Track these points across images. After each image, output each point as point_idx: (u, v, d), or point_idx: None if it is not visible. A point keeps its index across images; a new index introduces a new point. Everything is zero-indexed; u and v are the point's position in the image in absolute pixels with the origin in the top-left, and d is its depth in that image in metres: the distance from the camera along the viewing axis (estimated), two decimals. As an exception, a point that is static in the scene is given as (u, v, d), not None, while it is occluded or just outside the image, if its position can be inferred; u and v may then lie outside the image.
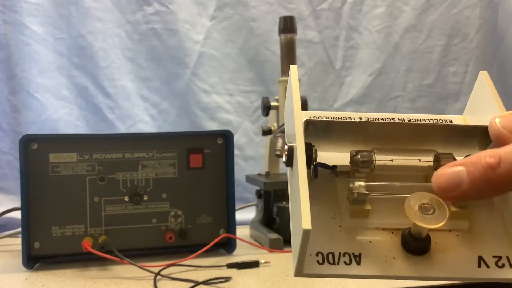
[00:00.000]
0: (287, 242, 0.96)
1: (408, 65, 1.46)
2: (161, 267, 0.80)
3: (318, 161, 0.33)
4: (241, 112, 1.39)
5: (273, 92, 1.24)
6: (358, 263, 0.29)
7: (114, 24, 1.31)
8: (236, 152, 1.14)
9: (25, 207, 0.84)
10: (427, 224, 0.27)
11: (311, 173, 0.33)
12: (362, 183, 0.31)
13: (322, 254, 0.30)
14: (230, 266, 0.83)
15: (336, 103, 1.44)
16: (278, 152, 1.01)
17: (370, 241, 0.30)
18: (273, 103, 1.07)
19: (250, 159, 1.38)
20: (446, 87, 1.48)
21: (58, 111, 1.27)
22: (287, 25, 1.04)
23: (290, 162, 0.32)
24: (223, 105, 1.37)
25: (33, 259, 0.85)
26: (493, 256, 0.29)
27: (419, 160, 0.32)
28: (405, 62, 1.46)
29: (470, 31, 1.48)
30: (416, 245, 0.29)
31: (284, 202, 1.00)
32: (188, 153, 0.92)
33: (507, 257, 0.29)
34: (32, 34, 1.25)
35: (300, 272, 0.29)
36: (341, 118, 0.33)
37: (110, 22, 1.30)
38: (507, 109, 0.36)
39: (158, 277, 0.78)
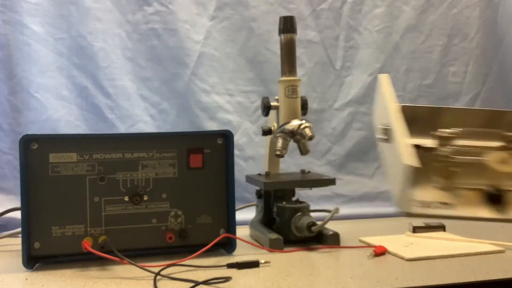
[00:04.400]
0: (287, 242, 0.96)
1: (408, 65, 1.46)
2: (161, 267, 0.80)
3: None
4: (241, 112, 1.39)
5: (273, 92, 1.24)
6: (449, 208, 0.37)
7: (114, 24, 1.31)
8: (236, 152, 1.14)
9: (25, 207, 0.84)
10: (506, 168, 0.34)
11: None
12: (448, 149, 0.37)
13: (424, 202, 0.37)
14: (230, 266, 0.83)
15: (336, 103, 1.44)
16: (278, 152, 1.01)
17: (458, 195, 0.37)
18: (273, 103, 1.07)
19: (250, 159, 1.38)
20: (446, 87, 1.48)
21: (58, 111, 1.27)
22: (287, 25, 1.04)
23: (386, 140, 0.39)
24: (223, 105, 1.37)
25: (33, 259, 0.85)
26: None
27: (490, 136, 0.39)
28: (405, 62, 1.46)
29: (470, 31, 1.48)
30: (496, 195, 0.35)
31: (284, 202, 1.00)
32: (188, 153, 0.92)
33: None
34: (32, 34, 1.25)
35: (405, 213, 0.37)
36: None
37: (110, 22, 1.30)
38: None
39: (158, 277, 0.77)
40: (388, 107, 0.44)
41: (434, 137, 0.42)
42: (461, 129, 0.39)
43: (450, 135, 0.40)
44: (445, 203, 0.36)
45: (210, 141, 0.93)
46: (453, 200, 0.36)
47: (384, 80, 0.46)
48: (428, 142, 0.41)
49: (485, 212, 0.35)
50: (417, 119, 0.45)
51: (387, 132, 0.44)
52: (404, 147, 0.39)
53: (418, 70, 1.47)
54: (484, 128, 0.39)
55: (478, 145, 0.38)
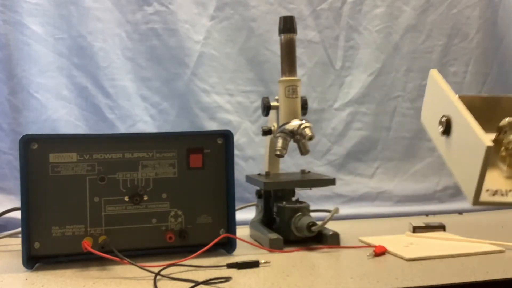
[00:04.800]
0: (287, 242, 0.96)
1: (408, 65, 1.46)
2: (161, 267, 0.80)
3: None
4: (241, 112, 1.39)
5: (273, 92, 1.24)
6: None
7: (114, 24, 1.31)
8: (236, 152, 1.14)
9: (25, 207, 0.84)
10: None
11: None
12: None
13: (492, 190, 0.38)
14: (230, 266, 0.83)
15: (336, 103, 1.44)
16: (278, 152, 1.01)
17: None
18: (273, 103, 1.07)
19: (250, 159, 1.38)
20: (446, 87, 1.48)
21: (58, 111, 1.27)
22: (287, 25, 1.04)
23: (448, 131, 0.43)
24: (223, 105, 1.37)
25: (33, 259, 0.85)
26: None
27: None
28: (405, 62, 1.46)
29: (470, 31, 1.48)
30: None
31: (284, 202, 1.00)
32: (188, 153, 0.92)
33: None
34: (32, 34, 1.25)
35: (476, 200, 0.38)
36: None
37: (110, 22, 1.30)
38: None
39: (158, 277, 0.77)
40: (450, 98, 0.46)
41: (496, 127, 0.43)
42: None
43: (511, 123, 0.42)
44: None
45: (210, 141, 0.93)
46: None
47: (437, 75, 0.48)
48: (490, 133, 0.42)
49: None
50: (475, 110, 0.46)
51: (450, 123, 0.45)
52: (478, 129, 0.39)
53: (418, 70, 1.47)
54: None
55: None
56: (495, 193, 0.39)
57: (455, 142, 0.43)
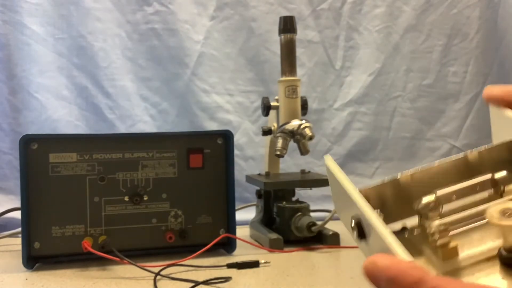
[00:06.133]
0: (287, 242, 0.96)
1: (408, 65, 1.46)
2: (161, 267, 0.80)
3: None
4: (241, 112, 1.39)
5: (273, 92, 1.24)
6: None
7: (114, 24, 1.31)
8: (236, 152, 1.14)
9: (25, 207, 0.84)
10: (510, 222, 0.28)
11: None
12: (438, 222, 0.31)
13: None
14: (230, 266, 0.83)
15: (336, 103, 1.44)
16: (278, 152, 1.01)
17: (473, 275, 0.30)
18: (273, 103, 1.07)
19: (250, 159, 1.38)
20: (446, 87, 1.48)
21: (58, 111, 1.27)
22: (287, 25, 1.04)
23: (362, 234, 0.33)
24: (223, 105, 1.37)
25: (33, 259, 0.85)
26: None
27: (478, 187, 0.32)
28: (405, 62, 1.46)
29: (470, 31, 1.48)
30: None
31: (284, 202, 1.00)
32: (188, 153, 0.92)
33: None
34: (32, 34, 1.25)
35: None
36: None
37: (110, 22, 1.30)
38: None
39: (158, 277, 0.77)
40: (352, 196, 0.34)
41: (415, 213, 0.34)
42: (440, 191, 0.32)
43: (429, 205, 0.32)
44: None
45: (210, 141, 0.93)
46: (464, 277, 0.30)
47: (333, 164, 0.38)
48: (410, 222, 0.34)
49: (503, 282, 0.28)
50: (385, 200, 0.36)
51: (361, 225, 0.35)
52: (391, 240, 0.29)
53: (418, 70, 1.47)
54: (467, 180, 0.32)
55: (470, 202, 0.30)
56: None
57: (374, 247, 0.33)
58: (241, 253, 0.91)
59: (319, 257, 0.91)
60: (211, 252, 0.90)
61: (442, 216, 0.31)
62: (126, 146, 0.89)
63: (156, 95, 1.34)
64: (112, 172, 0.88)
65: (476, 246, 0.31)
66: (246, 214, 1.16)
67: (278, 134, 1.02)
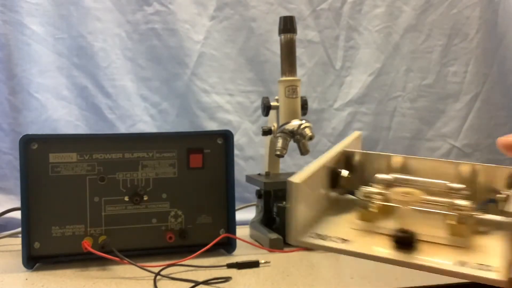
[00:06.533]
0: (287, 242, 0.96)
1: (408, 65, 1.46)
2: (161, 267, 0.80)
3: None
4: (241, 112, 1.39)
5: (273, 92, 1.24)
6: (346, 243, 0.35)
7: (114, 24, 1.31)
8: (236, 152, 1.14)
9: (25, 207, 0.84)
10: (407, 199, 0.33)
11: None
12: (368, 189, 0.36)
13: (319, 234, 0.36)
14: (230, 266, 0.83)
15: (336, 103, 1.44)
16: (278, 152, 1.01)
17: (364, 236, 0.36)
18: (273, 103, 1.07)
19: (250, 159, 1.38)
20: (446, 87, 1.48)
21: (58, 111, 1.27)
22: (287, 25, 1.04)
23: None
24: (223, 105, 1.37)
25: (33, 259, 0.85)
26: (476, 263, 0.31)
27: (435, 189, 0.36)
28: (405, 62, 1.46)
29: (470, 31, 1.48)
30: (404, 237, 0.33)
31: (284, 202, 1.00)
32: (188, 153, 0.92)
33: (489, 266, 0.31)
34: (32, 34, 1.25)
35: (294, 238, 0.35)
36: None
37: (110, 22, 1.30)
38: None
39: (158, 277, 0.78)
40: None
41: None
42: (399, 175, 0.37)
43: (383, 179, 0.38)
44: (344, 239, 0.34)
45: (210, 141, 0.93)
46: (355, 239, 0.34)
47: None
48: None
49: (385, 252, 0.33)
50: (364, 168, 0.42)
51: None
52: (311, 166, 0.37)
53: (418, 70, 1.47)
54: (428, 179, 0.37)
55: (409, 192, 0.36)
56: (322, 237, 0.35)
57: None
58: (241, 253, 0.91)
59: (319, 257, 0.91)
60: (211, 252, 0.90)
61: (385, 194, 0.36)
62: (126, 146, 0.89)
63: (156, 95, 1.34)
64: (112, 172, 0.88)
65: (388, 224, 0.34)
66: (246, 214, 1.16)
67: (278, 134, 1.02)
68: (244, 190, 1.28)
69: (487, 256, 0.29)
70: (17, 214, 0.99)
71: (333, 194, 0.40)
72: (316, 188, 0.38)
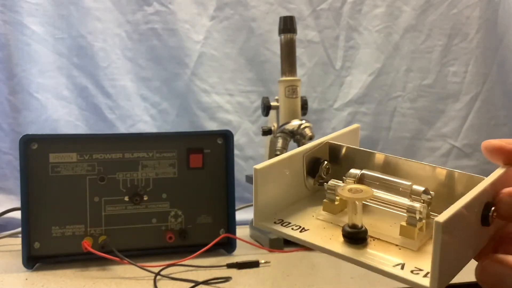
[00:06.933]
0: (287, 242, 0.96)
1: (408, 65, 1.46)
2: (161, 267, 0.80)
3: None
4: (241, 112, 1.39)
5: (273, 92, 1.24)
6: (303, 233, 0.36)
7: (114, 24, 1.31)
8: (236, 152, 1.14)
9: (25, 207, 0.84)
10: (353, 196, 0.33)
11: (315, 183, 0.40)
12: (334, 182, 0.36)
13: (282, 220, 0.37)
14: (230, 266, 0.83)
15: (336, 103, 1.44)
16: (278, 152, 1.01)
17: (324, 228, 0.37)
18: (273, 103, 1.07)
19: (250, 159, 1.38)
20: (446, 87, 1.48)
21: (58, 111, 1.27)
22: (287, 25, 1.04)
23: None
24: (223, 105, 1.37)
25: (33, 259, 0.85)
26: (415, 267, 0.31)
27: (400, 188, 0.36)
28: (405, 62, 1.46)
29: (470, 31, 1.48)
30: (352, 232, 0.34)
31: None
32: (188, 153, 0.92)
33: (426, 271, 0.31)
34: (32, 34, 1.25)
35: (256, 222, 0.36)
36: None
37: (110, 22, 1.30)
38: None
39: (158, 277, 0.78)
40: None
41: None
42: (367, 171, 0.37)
43: (352, 174, 0.38)
44: (304, 229, 0.35)
45: (210, 141, 0.93)
46: (315, 230, 0.35)
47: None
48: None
49: (335, 246, 0.33)
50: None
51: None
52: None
53: (418, 70, 1.47)
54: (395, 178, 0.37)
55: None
56: (284, 224, 0.36)
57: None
58: (241, 253, 0.91)
59: (319, 257, 0.91)
60: (211, 252, 0.90)
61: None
62: (126, 146, 0.89)
63: (156, 95, 1.34)
64: (112, 172, 0.88)
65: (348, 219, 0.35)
66: (246, 214, 1.16)
67: (278, 134, 1.02)
68: (244, 190, 1.28)
69: (429, 261, 0.29)
70: (17, 214, 0.99)
71: (312, 182, 0.40)
72: (290, 175, 0.38)
